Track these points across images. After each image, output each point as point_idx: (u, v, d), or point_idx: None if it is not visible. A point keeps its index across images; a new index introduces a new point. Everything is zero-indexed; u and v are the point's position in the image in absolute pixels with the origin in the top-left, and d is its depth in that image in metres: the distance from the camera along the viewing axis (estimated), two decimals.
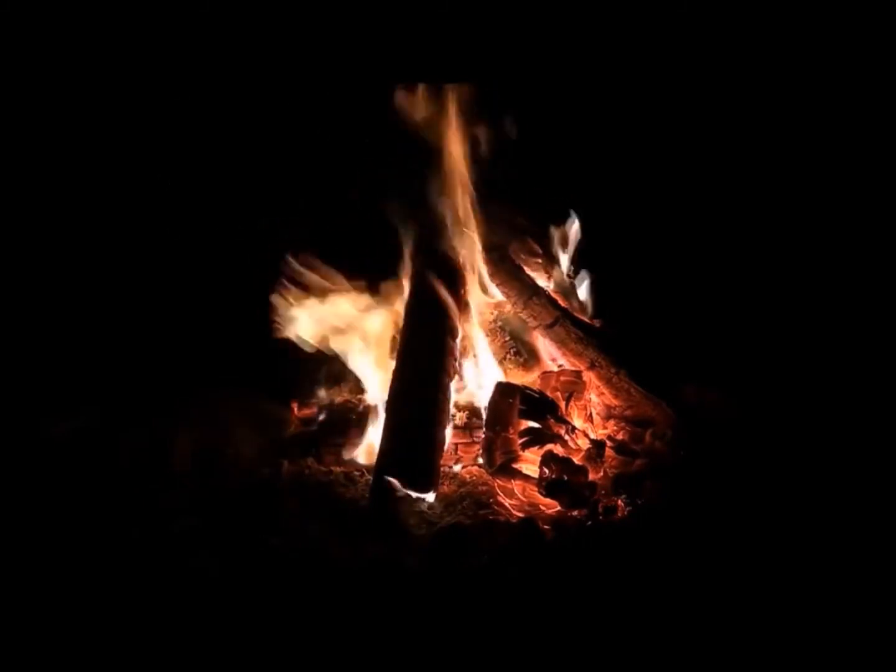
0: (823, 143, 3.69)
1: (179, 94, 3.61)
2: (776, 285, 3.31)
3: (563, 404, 2.57)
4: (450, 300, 2.69)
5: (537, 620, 1.80)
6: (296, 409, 2.84)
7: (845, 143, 3.68)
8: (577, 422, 2.58)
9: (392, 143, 2.95)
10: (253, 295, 3.33)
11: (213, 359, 3.02)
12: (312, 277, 2.83)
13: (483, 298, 2.92)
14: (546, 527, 2.16)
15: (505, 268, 2.81)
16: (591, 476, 2.34)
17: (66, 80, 3.61)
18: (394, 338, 2.82)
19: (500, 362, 2.83)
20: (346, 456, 2.60)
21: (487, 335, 2.87)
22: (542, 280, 2.94)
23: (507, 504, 2.32)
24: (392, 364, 2.65)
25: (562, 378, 2.67)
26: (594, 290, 3.01)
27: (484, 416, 2.55)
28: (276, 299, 2.81)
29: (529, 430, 2.45)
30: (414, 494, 2.26)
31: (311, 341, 2.80)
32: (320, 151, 3.58)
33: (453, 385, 2.60)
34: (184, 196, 3.72)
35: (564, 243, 3.04)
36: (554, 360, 2.83)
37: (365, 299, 2.85)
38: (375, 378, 2.78)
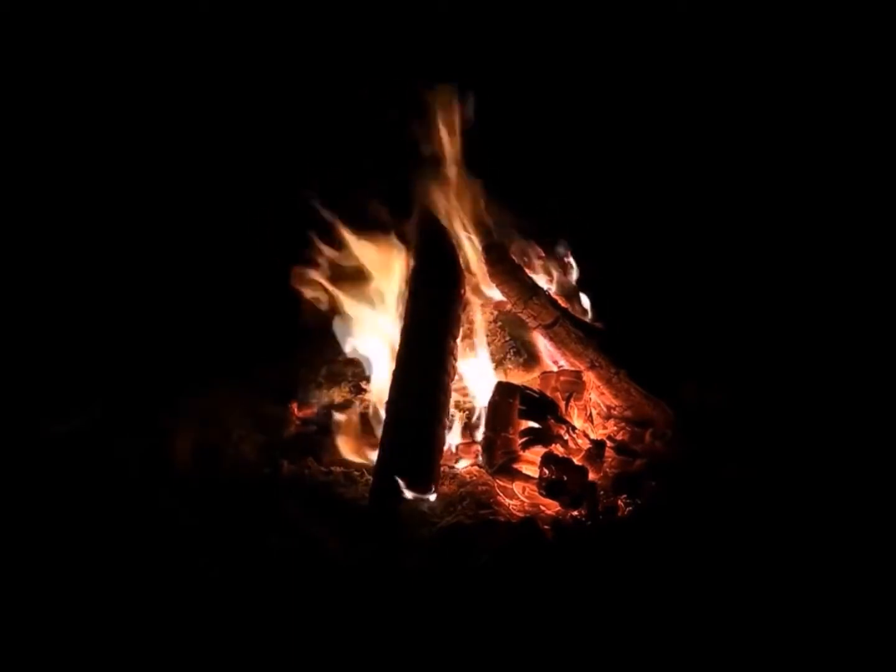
0: (823, 142, 3.69)
1: (182, 88, 3.63)
2: (776, 285, 3.30)
3: (563, 404, 2.57)
4: (450, 300, 2.69)
5: (538, 620, 1.81)
6: (296, 409, 2.84)
7: (845, 142, 3.68)
8: (577, 422, 2.58)
9: (391, 143, 2.95)
10: (253, 295, 3.33)
11: (213, 359, 3.01)
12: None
13: (483, 298, 2.92)
14: (546, 527, 2.16)
15: (505, 268, 2.80)
16: (591, 476, 2.34)
17: (69, 79, 3.61)
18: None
19: (500, 362, 2.82)
20: (346, 456, 2.59)
21: (487, 335, 2.87)
22: (542, 280, 2.94)
23: (507, 504, 2.32)
24: (392, 364, 2.64)
25: (562, 378, 2.67)
26: (595, 290, 3.01)
27: (484, 416, 2.55)
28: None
29: (530, 431, 2.45)
30: (414, 495, 2.26)
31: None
32: (318, 150, 3.58)
33: (453, 385, 2.60)
34: (182, 194, 3.72)
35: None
36: (554, 360, 2.83)
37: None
38: (376, 377, 2.78)
